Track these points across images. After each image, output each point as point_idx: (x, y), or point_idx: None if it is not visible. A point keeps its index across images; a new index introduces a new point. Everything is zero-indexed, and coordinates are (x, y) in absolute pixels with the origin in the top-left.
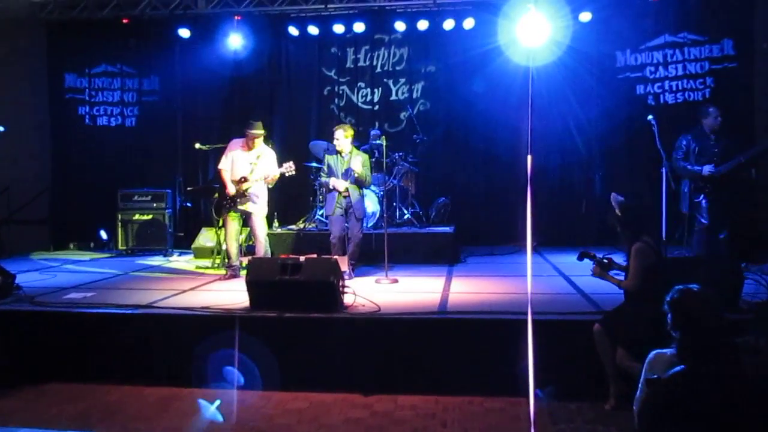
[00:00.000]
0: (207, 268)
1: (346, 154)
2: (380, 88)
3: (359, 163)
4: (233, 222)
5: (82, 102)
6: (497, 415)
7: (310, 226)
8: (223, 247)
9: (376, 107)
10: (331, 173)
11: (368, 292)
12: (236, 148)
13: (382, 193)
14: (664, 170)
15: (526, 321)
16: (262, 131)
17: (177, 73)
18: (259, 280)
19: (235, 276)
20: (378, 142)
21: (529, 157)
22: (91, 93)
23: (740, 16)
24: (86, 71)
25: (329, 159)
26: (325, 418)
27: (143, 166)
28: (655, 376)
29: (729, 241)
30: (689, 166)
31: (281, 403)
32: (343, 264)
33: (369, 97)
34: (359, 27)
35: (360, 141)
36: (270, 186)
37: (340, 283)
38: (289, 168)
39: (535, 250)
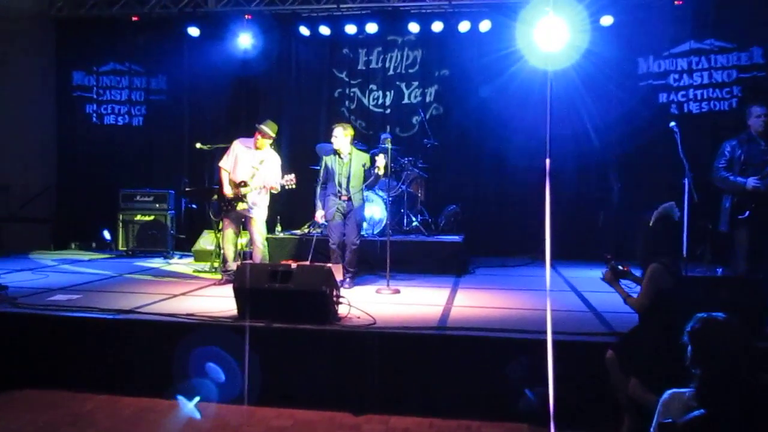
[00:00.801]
0: (204, 271)
1: (345, 155)
2: (392, 91)
3: (361, 163)
4: (231, 225)
5: (89, 100)
6: None
7: (314, 231)
8: (221, 250)
9: (388, 111)
10: (328, 175)
11: (366, 302)
12: (242, 147)
13: (390, 199)
14: (686, 181)
15: (531, 341)
16: (273, 134)
17: (185, 72)
18: (246, 288)
19: (230, 281)
20: (384, 145)
21: (547, 161)
22: (99, 91)
23: None
24: (94, 69)
25: (327, 160)
26: None
27: (149, 166)
28: (670, 420)
29: None
30: (732, 177)
31: (264, 420)
32: (338, 272)
33: (381, 100)
34: (372, 28)
35: (370, 145)
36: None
37: (334, 293)
38: (289, 181)
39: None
